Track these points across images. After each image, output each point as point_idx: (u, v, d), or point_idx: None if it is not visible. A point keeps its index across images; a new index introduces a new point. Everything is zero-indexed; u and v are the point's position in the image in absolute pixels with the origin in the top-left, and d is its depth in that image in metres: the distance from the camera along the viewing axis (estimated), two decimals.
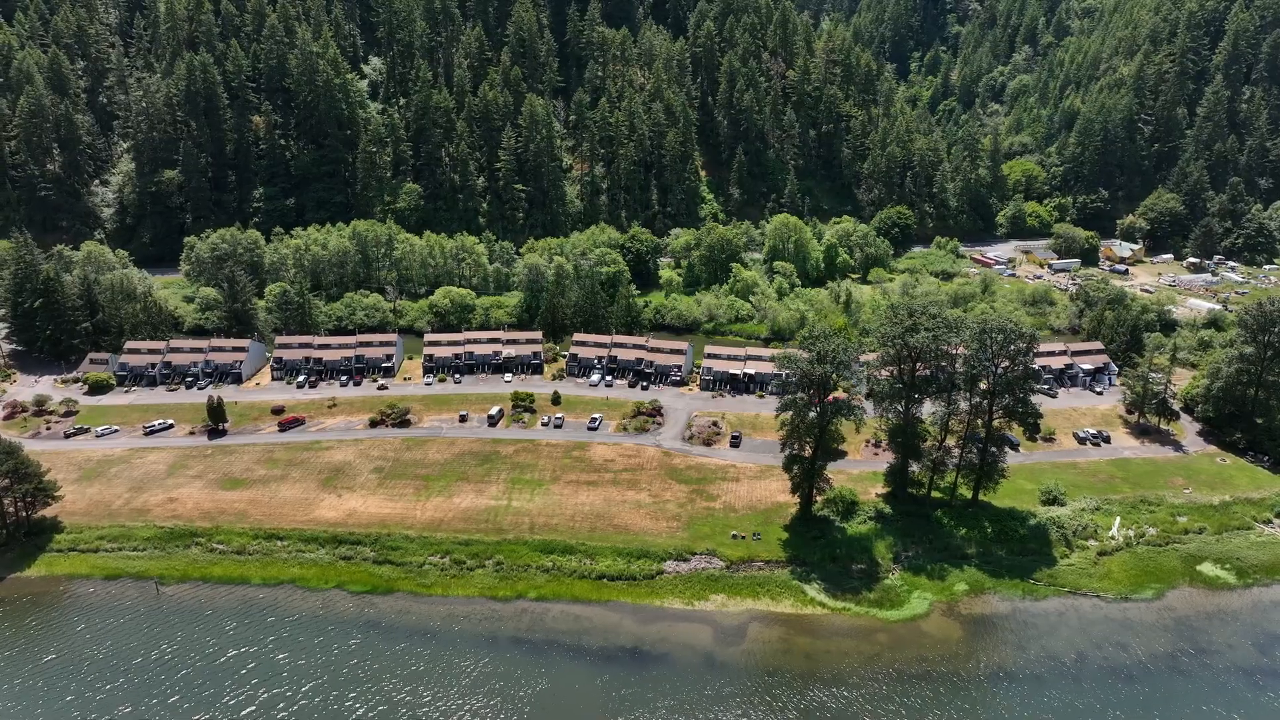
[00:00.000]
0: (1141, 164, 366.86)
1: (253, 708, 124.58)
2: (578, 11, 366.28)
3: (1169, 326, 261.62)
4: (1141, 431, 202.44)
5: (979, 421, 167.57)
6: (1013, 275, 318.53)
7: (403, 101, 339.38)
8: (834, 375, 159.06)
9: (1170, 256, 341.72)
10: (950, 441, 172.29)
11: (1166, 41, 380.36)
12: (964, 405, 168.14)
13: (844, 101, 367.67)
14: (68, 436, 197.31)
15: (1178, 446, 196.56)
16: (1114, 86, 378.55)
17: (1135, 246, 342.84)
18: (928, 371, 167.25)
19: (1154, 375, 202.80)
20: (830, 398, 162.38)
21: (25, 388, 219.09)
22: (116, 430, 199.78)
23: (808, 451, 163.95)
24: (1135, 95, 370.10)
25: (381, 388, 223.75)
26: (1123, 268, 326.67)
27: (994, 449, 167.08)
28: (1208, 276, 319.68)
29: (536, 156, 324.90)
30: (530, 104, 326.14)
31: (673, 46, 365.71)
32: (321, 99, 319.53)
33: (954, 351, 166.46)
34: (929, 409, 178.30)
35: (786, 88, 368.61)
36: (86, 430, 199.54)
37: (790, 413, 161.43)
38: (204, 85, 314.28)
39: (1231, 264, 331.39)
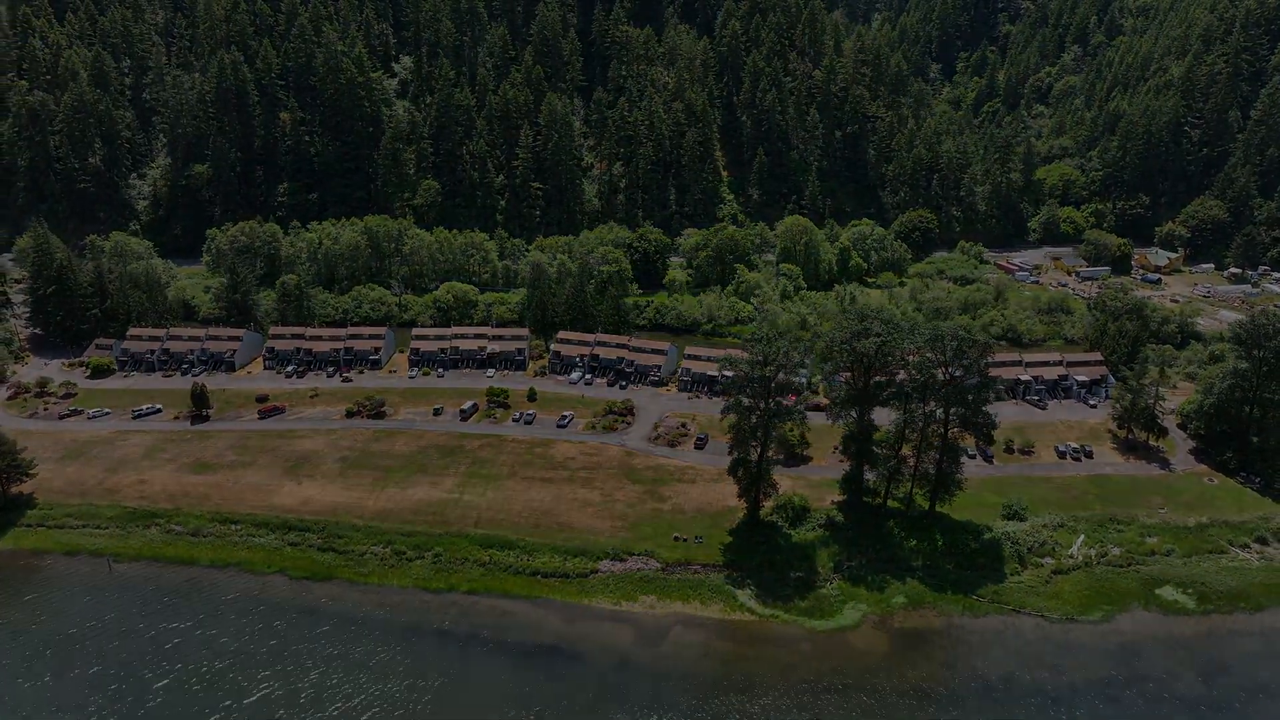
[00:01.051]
0: (1187, 169, 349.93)
1: (165, 681, 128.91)
2: (603, 11, 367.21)
3: (1189, 339, 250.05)
4: (1129, 448, 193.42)
5: (930, 429, 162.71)
6: (1036, 282, 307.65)
7: (429, 99, 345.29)
8: (776, 377, 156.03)
9: (1211, 266, 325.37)
10: (907, 450, 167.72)
11: (1220, 41, 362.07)
12: (919, 413, 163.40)
13: (871, 102, 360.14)
14: (62, 418, 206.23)
15: (1165, 464, 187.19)
16: (1162, 88, 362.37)
17: (1173, 254, 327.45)
18: (883, 378, 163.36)
19: (1147, 388, 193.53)
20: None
21: (34, 369, 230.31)
22: (108, 413, 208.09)
23: (755, 455, 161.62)
24: (1183, 97, 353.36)
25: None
26: (1156, 277, 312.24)
27: (949, 459, 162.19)
28: (1247, 288, 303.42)
29: (554, 155, 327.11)
30: (549, 102, 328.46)
31: (696, 45, 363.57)
32: (345, 96, 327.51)
33: (909, 358, 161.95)
34: (892, 416, 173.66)
35: (812, 88, 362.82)
36: (80, 412, 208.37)
37: (735, 415, 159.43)
38: (235, 82, 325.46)
39: (1276, 275, 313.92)
